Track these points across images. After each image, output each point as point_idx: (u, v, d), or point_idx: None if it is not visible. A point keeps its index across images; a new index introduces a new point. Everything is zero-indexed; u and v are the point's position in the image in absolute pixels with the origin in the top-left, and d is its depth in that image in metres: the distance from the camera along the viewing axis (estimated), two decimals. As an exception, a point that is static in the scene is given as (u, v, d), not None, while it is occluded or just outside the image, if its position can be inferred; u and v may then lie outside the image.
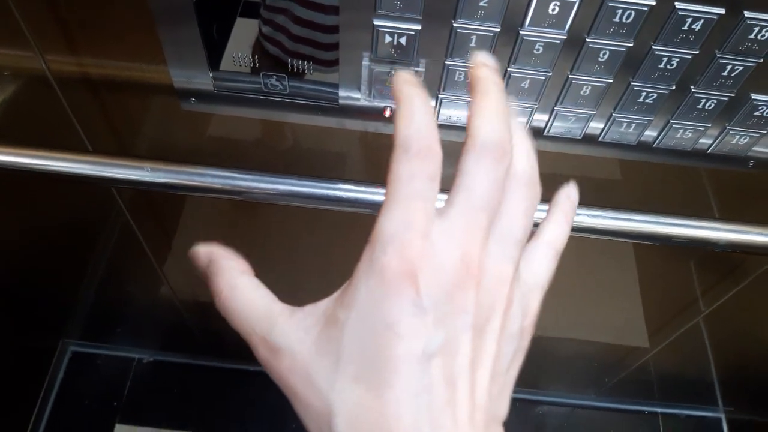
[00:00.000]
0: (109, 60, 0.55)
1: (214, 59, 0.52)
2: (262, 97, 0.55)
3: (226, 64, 0.53)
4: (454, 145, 0.59)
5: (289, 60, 0.51)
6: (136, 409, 1.31)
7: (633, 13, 0.43)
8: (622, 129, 0.53)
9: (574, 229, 0.56)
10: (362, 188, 0.56)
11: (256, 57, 0.52)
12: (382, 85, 0.51)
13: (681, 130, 0.53)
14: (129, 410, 1.31)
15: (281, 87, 0.54)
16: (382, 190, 0.57)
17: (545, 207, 0.55)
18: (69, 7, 0.51)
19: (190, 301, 1.08)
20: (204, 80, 0.54)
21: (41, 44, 0.54)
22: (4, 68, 0.57)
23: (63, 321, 1.27)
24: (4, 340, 1.15)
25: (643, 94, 0.50)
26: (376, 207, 0.56)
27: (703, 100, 0.50)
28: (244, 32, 0.50)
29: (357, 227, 0.80)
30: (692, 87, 0.50)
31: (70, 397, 1.31)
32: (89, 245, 0.93)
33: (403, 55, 0.48)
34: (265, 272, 1.04)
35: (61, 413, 1.29)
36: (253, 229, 0.85)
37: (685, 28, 0.44)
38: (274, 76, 0.53)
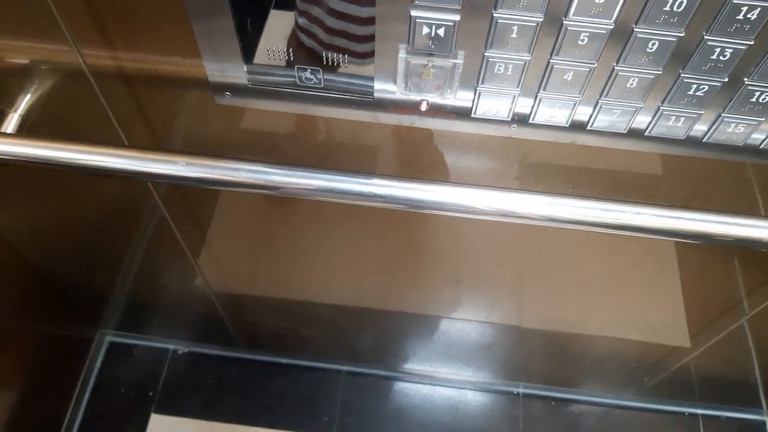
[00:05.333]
0: (145, 54, 0.55)
1: (248, 52, 0.51)
2: (296, 90, 0.54)
3: (260, 57, 0.52)
4: (491, 140, 0.58)
5: (324, 52, 0.50)
6: (171, 399, 1.33)
7: (685, 1, 0.41)
8: (671, 123, 0.51)
9: (619, 227, 0.54)
10: (397, 184, 0.55)
11: (291, 49, 0.51)
12: (418, 78, 0.50)
13: (732, 125, 0.51)
14: (164, 400, 1.33)
15: (316, 80, 0.53)
16: (416, 186, 0.56)
17: (586, 203, 0.54)
18: (105, 1, 0.50)
19: (223, 293, 1.08)
20: (238, 74, 0.54)
21: (78, 38, 0.54)
22: (41, 62, 0.58)
23: (101, 312, 1.30)
24: (43, 330, 1.18)
25: (694, 86, 0.47)
26: (409, 203, 0.55)
27: (758, 93, 0.48)
28: (278, 24, 0.50)
29: (389, 221, 0.79)
30: (746, 79, 0.47)
31: (107, 386, 1.34)
32: (126, 237, 0.94)
33: (440, 47, 0.47)
34: (297, 264, 1.04)
35: (98, 402, 1.32)
36: (286, 222, 0.85)
37: (740, 17, 0.42)
38: (309, 70, 0.52)
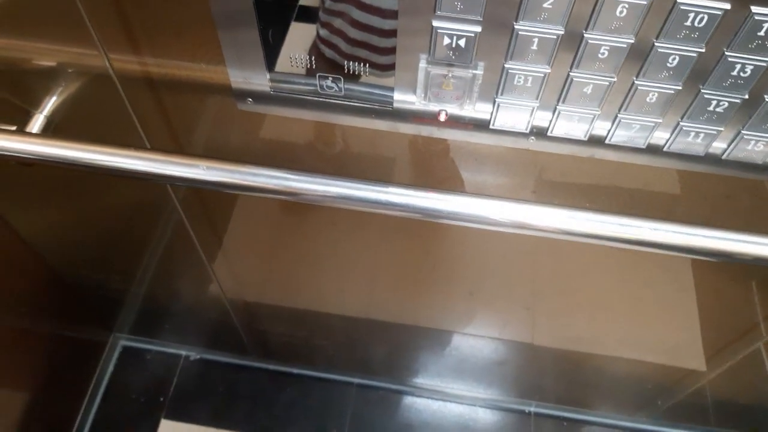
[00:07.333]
0: (170, 60, 0.56)
1: (270, 60, 0.52)
2: (317, 98, 0.55)
3: (282, 65, 0.53)
4: (508, 152, 0.58)
5: (345, 63, 0.51)
6: (182, 406, 1.33)
7: (706, 17, 0.41)
8: (690, 139, 0.51)
9: (637, 243, 0.54)
10: (414, 192, 0.55)
11: (312, 59, 0.52)
12: (438, 88, 0.51)
13: (752, 142, 0.51)
14: (175, 406, 1.33)
15: (337, 89, 0.54)
16: (433, 195, 0.56)
17: (603, 217, 0.53)
18: (133, 7, 0.52)
19: (238, 300, 1.09)
20: (261, 81, 0.54)
21: (105, 42, 0.55)
22: (68, 65, 0.59)
23: (115, 315, 1.30)
24: (58, 332, 1.19)
25: (714, 102, 0.47)
26: (426, 212, 0.55)
27: (779, 111, 0.48)
28: (298, 36, 0.50)
29: (405, 232, 0.80)
30: (766, 96, 0.47)
31: (118, 390, 1.34)
32: (143, 241, 0.95)
33: (461, 58, 0.47)
34: (311, 273, 1.04)
35: (109, 406, 1.32)
36: (302, 231, 0.86)
37: (761, 33, 0.42)
38: (330, 78, 0.53)
